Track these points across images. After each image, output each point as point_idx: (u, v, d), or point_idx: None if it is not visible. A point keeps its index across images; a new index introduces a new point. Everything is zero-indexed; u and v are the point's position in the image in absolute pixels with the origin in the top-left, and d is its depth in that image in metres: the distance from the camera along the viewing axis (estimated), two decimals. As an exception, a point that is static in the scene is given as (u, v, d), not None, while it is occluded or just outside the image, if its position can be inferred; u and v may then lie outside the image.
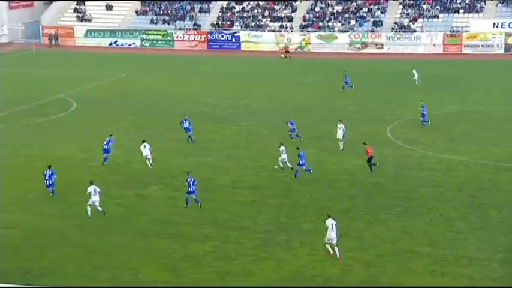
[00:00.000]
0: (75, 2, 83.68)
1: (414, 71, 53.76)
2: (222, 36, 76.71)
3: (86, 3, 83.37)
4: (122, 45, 78.53)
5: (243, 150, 36.73)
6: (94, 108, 46.39)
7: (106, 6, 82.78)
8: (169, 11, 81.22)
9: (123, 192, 30.08)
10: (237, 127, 41.65)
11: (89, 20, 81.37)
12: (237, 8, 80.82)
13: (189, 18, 79.94)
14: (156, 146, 36.80)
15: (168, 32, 78.06)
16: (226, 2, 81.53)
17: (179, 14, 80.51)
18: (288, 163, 32.41)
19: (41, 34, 79.82)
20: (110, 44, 78.85)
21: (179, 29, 78.45)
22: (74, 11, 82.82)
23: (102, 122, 42.33)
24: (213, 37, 76.97)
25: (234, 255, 24.24)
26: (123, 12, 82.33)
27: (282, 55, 69.91)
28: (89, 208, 27.30)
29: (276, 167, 32.62)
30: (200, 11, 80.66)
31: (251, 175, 32.45)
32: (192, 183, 28.52)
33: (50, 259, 23.78)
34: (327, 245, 24.03)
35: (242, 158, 35.14)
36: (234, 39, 76.45)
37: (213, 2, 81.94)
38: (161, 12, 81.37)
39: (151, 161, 33.20)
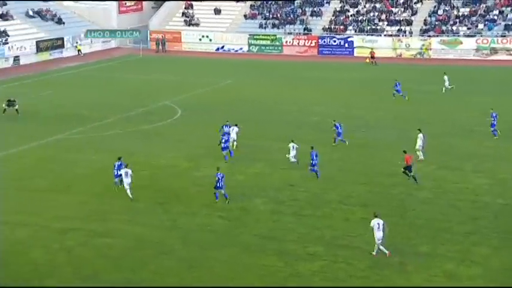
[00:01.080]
0: (183, 6, 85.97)
1: (445, 77, 52.91)
2: (334, 41, 76.25)
3: (195, 7, 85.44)
4: (228, 50, 79.85)
5: (354, 164, 36.15)
6: (199, 116, 47.21)
7: (214, 10, 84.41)
8: (278, 15, 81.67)
9: (227, 205, 30.30)
10: (348, 139, 41.08)
11: (197, 25, 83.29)
12: (351, 11, 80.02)
13: (299, 22, 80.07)
14: (261, 157, 36.92)
15: (277, 36, 78.55)
16: (339, 5, 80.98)
17: (289, 18, 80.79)
18: (295, 160, 34.95)
19: (148, 39, 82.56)
20: (217, 49, 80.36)
21: (288, 33, 78.74)
22: (182, 15, 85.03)
23: (207, 130, 42.97)
24: (324, 42, 76.67)
25: (344, 276, 23.75)
26: (232, 16, 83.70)
27: (367, 60, 68.75)
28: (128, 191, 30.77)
29: (292, 161, 35.01)
30: (312, 15, 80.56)
31: (362, 191, 31.84)
32: (220, 178, 30.05)
33: (152, 271, 24.25)
34: (381, 247, 24.50)
35: (353, 173, 34.57)
36: (346, 45, 75.79)
37: (325, 5, 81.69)
38: (270, 16, 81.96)
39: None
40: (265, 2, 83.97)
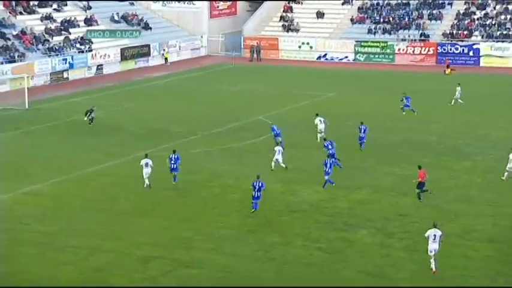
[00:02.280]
0: (281, 9, 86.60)
1: (458, 89, 54.23)
2: (456, 49, 74.71)
3: (295, 10, 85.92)
4: (332, 59, 79.70)
5: (478, 191, 35.10)
6: (296, 133, 47.17)
7: (317, 13, 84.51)
8: (390, 18, 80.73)
9: (327, 235, 30.01)
10: (471, 162, 39.99)
11: (296, 30, 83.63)
12: (478, 13, 78.05)
13: (415, 26, 78.90)
14: (367, 182, 36.41)
15: (388, 43, 77.73)
16: (463, 7, 79.22)
17: (403, 22, 79.70)
18: (282, 163, 37.82)
19: (242, 46, 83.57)
20: (319, 57, 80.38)
21: (402, 40, 77.76)
22: (280, 19, 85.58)
23: (306, 150, 42.86)
24: (444, 50, 75.28)
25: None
26: (336, 20, 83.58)
27: (446, 71, 68.64)
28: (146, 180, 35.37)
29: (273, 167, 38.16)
30: (430, 18, 79.19)
31: (487, 224, 30.83)
32: (258, 187, 31.49)
33: (240, 308, 24.30)
34: (430, 260, 25.10)
35: (476, 202, 33.57)
36: (471, 53, 74.10)
37: (446, 7, 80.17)
38: (381, 19, 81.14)
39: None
40: (375, 3, 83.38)
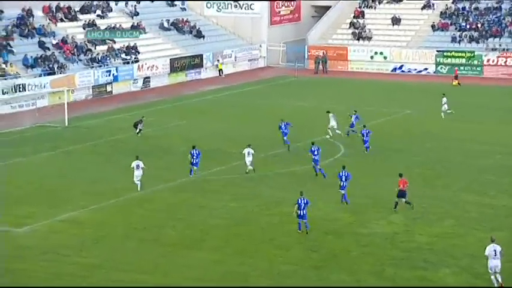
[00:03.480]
0: (351, 14, 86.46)
1: (443, 100, 56.31)
2: (555, 60, 73.50)
3: (367, 15, 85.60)
4: (409, 71, 79.09)
5: None
6: (367, 155, 46.81)
7: (392, 19, 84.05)
8: (479, 25, 79.66)
9: (403, 273, 29.54)
10: None
11: (368, 38, 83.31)
12: None
13: (507, 34, 77.74)
14: (450, 213, 35.82)
15: (476, 54, 76.75)
16: None
17: (493, 29, 78.57)
18: (250, 166, 42.11)
19: (305, 56, 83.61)
20: (394, 69, 79.89)
21: (492, 49, 76.71)
22: (350, 26, 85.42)
23: (377, 175, 42.53)
24: (541, 61, 74.11)
25: None
26: (415, 27, 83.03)
27: (454, 82, 70.05)
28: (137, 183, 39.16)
29: (247, 170, 42.34)
30: (525, 24, 78.06)
31: None
32: (303, 204, 32.65)
33: None
34: (496, 276, 25.47)
35: None
36: None
37: (547, 11, 79.06)
38: (467, 26, 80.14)
39: None
40: (460, 8, 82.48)
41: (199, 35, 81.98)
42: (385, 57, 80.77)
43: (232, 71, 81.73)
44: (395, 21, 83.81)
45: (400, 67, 79.84)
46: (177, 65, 75.89)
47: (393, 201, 36.35)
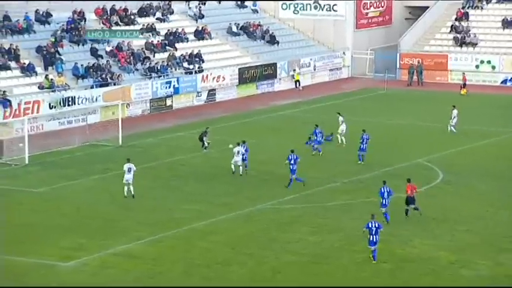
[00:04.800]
0: (453, 16, 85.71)
1: (454, 112, 58.88)
2: None
3: (471, 16, 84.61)
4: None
5: None
6: (470, 183, 46.45)
7: (503, 21, 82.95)
8: None
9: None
10: None
11: (473, 44, 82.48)
12: None
13: None
14: None
15: None
16: None
17: None
18: (235, 164, 47.58)
19: (397, 66, 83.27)
20: (504, 81, 78.97)
21: None
22: (451, 30, 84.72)
23: (483, 206, 42.25)
24: None
25: None
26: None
27: (463, 91, 72.75)
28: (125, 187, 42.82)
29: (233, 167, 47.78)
30: None
31: None
32: (375, 229, 33.79)
33: None
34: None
35: None
36: None
37: None
38: None
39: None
40: None
41: (272, 40, 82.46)
42: (493, 67, 79.92)
43: (311, 82, 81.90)
44: (507, 24, 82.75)
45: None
46: (247, 75, 76.37)
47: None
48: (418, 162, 50.99)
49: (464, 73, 77.12)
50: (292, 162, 45.72)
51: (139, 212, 42.08)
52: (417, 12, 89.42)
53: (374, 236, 33.83)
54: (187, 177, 48.40)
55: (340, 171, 49.18)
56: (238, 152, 48.05)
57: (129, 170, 43.93)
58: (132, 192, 43.95)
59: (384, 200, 39.46)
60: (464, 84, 75.01)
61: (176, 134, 60.39)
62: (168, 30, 76.10)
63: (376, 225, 34.06)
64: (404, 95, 76.22)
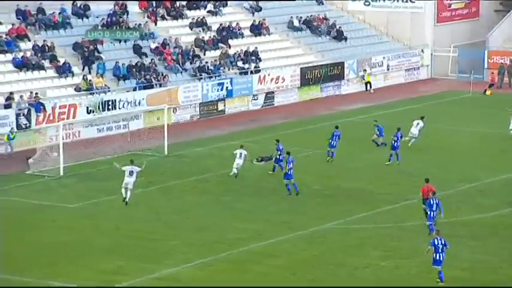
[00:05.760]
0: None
1: (417, 122, 58.76)
2: None
3: None
4: None
5: None
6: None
7: None
8: None
9: None
10: None
11: None
12: None
13: None
14: None
15: None
16: None
17: None
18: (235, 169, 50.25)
19: (485, 65, 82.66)
20: None
21: None
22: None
23: None
24: None
25: None
26: None
27: (488, 91, 73.04)
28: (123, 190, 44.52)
29: (231, 174, 50.04)
30: None
31: None
32: (441, 246, 34.38)
33: None
34: None
35: None
36: None
37: None
38: None
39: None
40: None
41: (340, 36, 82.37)
42: None
43: (384, 84, 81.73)
44: None
45: None
46: (310, 76, 76.37)
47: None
48: (509, 177, 50.58)
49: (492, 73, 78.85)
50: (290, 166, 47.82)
51: (187, 231, 42.25)
52: (509, 3, 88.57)
53: (440, 254, 34.26)
54: (242, 192, 48.49)
55: (414, 185, 48.78)
56: (241, 155, 50.37)
57: (131, 173, 45.25)
58: (128, 199, 45.69)
59: (432, 213, 40.65)
60: (492, 84, 74.76)
61: (229, 142, 60.14)
62: (221, 24, 76.33)
63: (443, 242, 34.44)
64: (493, 98, 75.60)
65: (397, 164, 53.54)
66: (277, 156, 51.93)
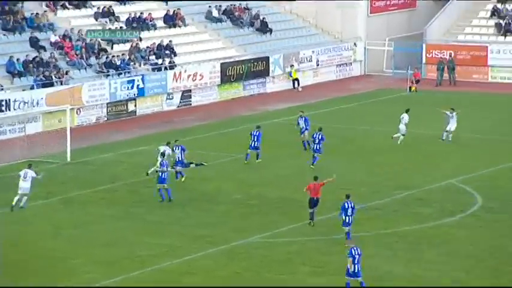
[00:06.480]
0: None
1: (402, 117, 60.32)
2: None
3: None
4: None
5: None
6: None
7: None
8: None
9: None
10: None
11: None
12: None
13: None
14: None
15: None
16: None
17: None
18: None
19: (423, 60, 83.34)
20: None
21: None
22: (492, 15, 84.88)
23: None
24: None
25: None
26: None
27: (412, 87, 76.91)
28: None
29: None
30: None
31: None
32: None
33: None
34: None
35: None
36: None
37: None
38: None
39: None
40: None
41: (264, 28, 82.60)
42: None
43: (313, 81, 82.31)
44: None
45: None
46: (232, 72, 76.61)
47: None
48: (450, 183, 50.98)
49: (416, 69, 79.40)
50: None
51: (92, 247, 41.82)
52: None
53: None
54: (153, 203, 48.16)
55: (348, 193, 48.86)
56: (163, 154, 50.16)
57: (25, 176, 45.43)
58: (23, 205, 46.08)
59: (347, 218, 40.90)
60: (418, 81, 78.37)
61: (140, 147, 60.33)
62: (130, 14, 76.02)
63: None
64: (432, 97, 76.30)
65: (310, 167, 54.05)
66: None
